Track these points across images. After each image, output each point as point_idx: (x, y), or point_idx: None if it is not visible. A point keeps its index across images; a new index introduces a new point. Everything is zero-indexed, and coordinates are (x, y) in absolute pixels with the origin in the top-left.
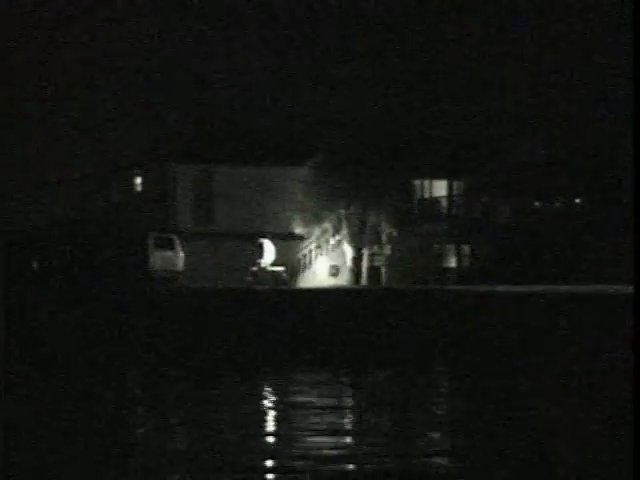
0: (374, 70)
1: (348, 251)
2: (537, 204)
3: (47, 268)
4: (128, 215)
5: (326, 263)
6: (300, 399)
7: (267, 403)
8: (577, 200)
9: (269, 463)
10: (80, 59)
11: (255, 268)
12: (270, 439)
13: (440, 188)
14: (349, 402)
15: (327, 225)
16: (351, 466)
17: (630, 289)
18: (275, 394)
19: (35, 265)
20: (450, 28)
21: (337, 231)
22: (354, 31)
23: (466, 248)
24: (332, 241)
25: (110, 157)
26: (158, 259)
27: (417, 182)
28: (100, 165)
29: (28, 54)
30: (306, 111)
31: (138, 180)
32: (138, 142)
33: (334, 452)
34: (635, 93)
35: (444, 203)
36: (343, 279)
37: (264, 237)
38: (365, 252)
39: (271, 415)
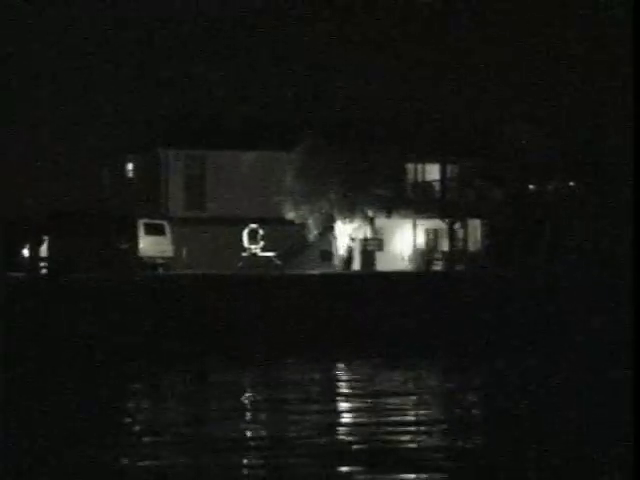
0: (366, 53)
1: (340, 236)
2: (531, 187)
3: (38, 256)
4: (119, 201)
5: (317, 248)
6: None
7: None
8: (571, 183)
9: None
10: (70, 42)
11: (246, 254)
12: None
13: (433, 172)
14: None
15: (318, 210)
16: None
17: None
18: None
19: (26, 253)
20: (449, 9)
21: (328, 216)
22: (344, 12)
23: (460, 231)
24: (323, 226)
25: (101, 143)
26: (149, 245)
27: (409, 166)
28: (91, 151)
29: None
30: (296, 95)
31: (129, 166)
32: (129, 128)
33: None
34: (635, 92)
35: (437, 187)
36: (335, 264)
37: (255, 223)
38: (357, 237)
39: None
